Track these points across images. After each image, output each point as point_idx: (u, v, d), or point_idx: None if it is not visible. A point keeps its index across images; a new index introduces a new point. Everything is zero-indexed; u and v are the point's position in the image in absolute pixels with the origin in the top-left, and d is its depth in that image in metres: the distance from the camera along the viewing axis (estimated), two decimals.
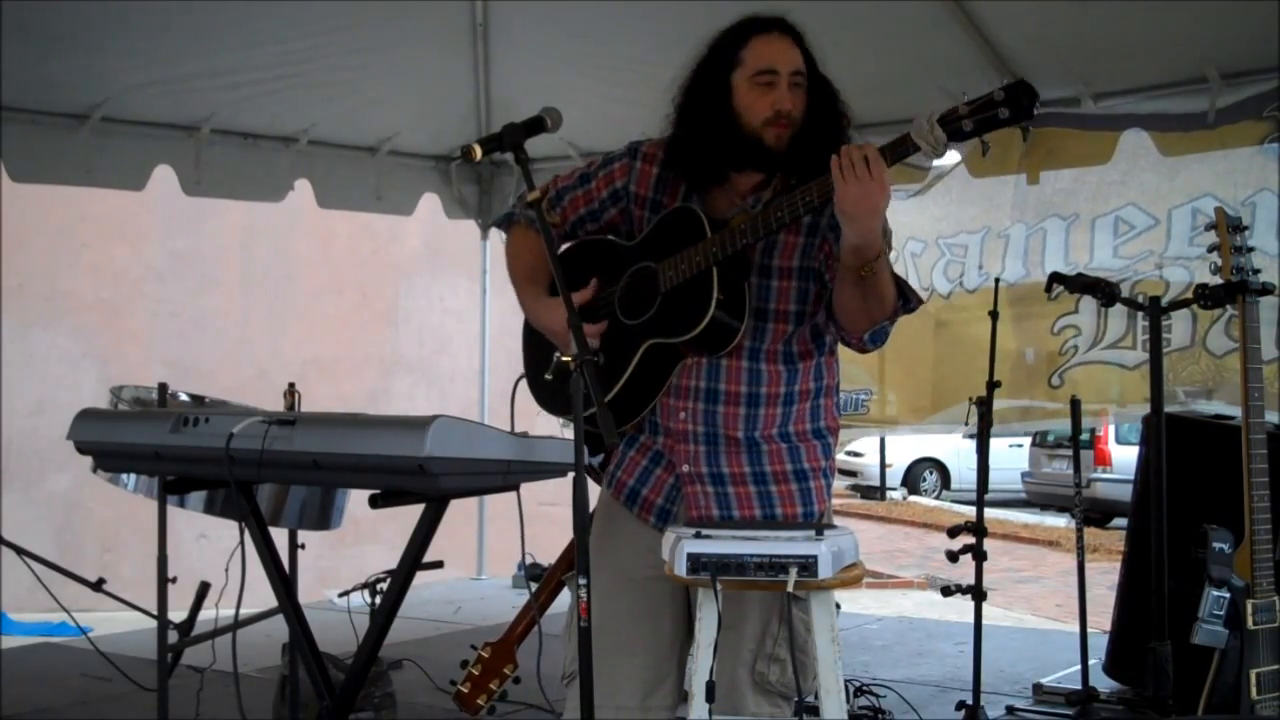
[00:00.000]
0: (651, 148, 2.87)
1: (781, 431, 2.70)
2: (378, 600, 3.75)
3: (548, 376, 2.94)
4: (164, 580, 3.55)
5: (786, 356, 2.69)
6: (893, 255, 5.88)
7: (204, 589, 3.70)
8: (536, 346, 2.92)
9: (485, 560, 7.77)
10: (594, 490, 2.60)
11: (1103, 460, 15.28)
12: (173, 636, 3.64)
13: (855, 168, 2.35)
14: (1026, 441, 17.59)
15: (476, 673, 4.01)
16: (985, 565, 4.10)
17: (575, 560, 2.42)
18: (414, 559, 2.87)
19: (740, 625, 2.66)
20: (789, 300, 2.68)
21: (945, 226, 5.51)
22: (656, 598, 2.70)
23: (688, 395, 2.68)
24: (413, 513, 2.86)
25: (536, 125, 2.83)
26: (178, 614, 3.63)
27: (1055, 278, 3.97)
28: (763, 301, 2.67)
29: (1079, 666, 4.40)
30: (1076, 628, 4.38)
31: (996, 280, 4.58)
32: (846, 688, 3.81)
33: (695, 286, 2.64)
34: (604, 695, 2.53)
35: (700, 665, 2.52)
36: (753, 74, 2.67)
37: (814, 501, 2.71)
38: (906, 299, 2.63)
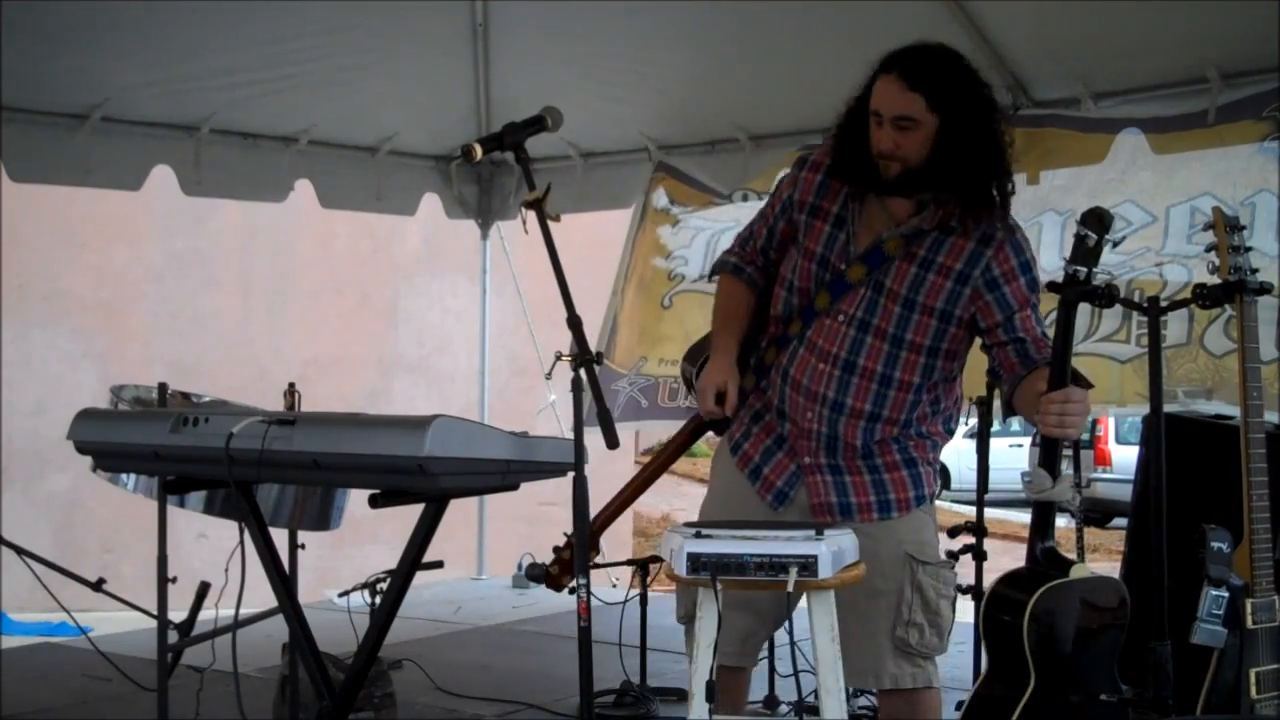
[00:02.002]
0: (820, 155, 3.02)
1: (895, 437, 2.95)
2: (378, 600, 3.75)
3: (547, 378, 2.98)
4: (164, 580, 3.54)
5: (916, 387, 2.92)
6: None
7: (204, 589, 3.69)
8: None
9: (485, 560, 7.77)
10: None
11: (1103, 460, 15.27)
12: (173, 636, 3.64)
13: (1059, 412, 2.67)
14: (1026, 441, 17.59)
15: (566, 556, 4.10)
16: (985, 565, 4.10)
17: (576, 562, 2.42)
18: (414, 559, 2.88)
19: (874, 596, 2.86)
20: (925, 335, 2.88)
21: None
22: None
23: (817, 400, 2.92)
24: (413, 513, 2.87)
25: (536, 125, 2.85)
26: (178, 614, 3.63)
27: (1051, 287, 3.94)
28: (901, 330, 2.88)
29: None
30: None
31: None
32: (846, 688, 3.81)
33: None
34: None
35: (700, 665, 2.53)
36: (870, 111, 2.84)
37: (924, 485, 2.98)
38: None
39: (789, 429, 2.98)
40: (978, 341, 3.03)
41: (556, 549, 4.20)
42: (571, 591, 4.09)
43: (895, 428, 2.95)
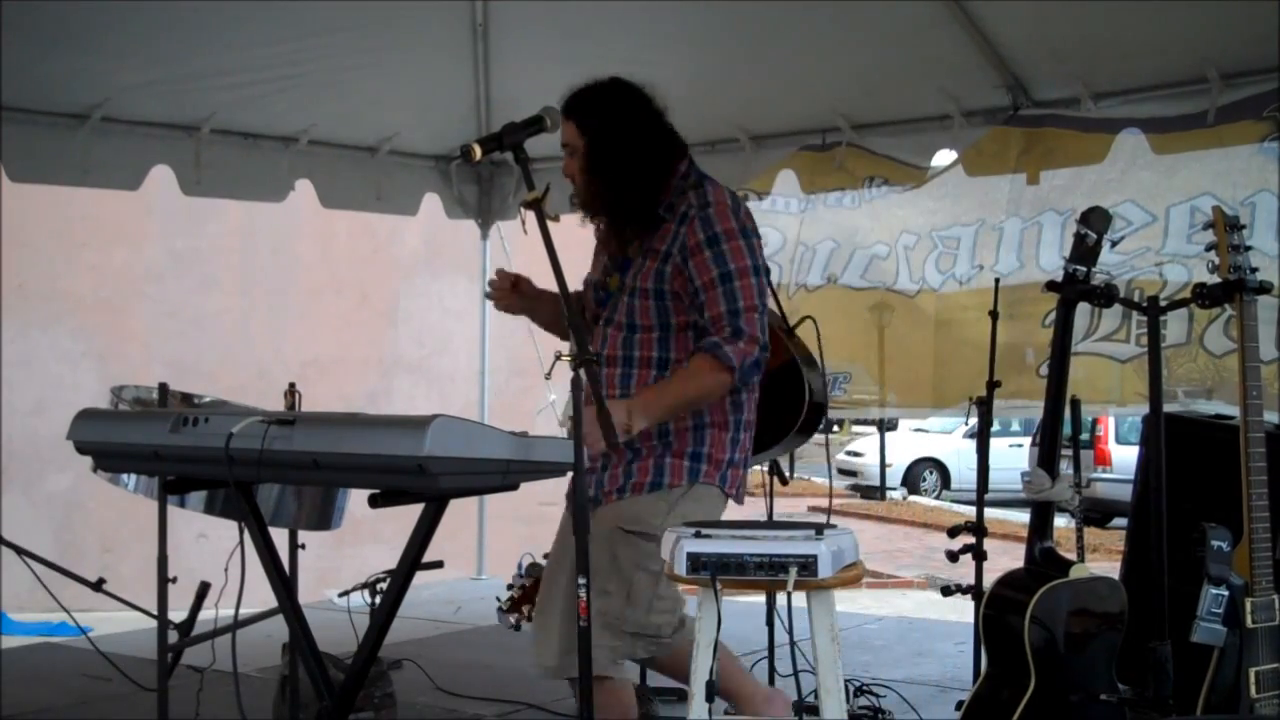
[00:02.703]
0: None
1: (660, 428, 3.10)
2: (378, 600, 3.75)
3: (547, 378, 3.00)
4: (164, 580, 3.54)
5: (657, 361, 3.15)
6: (885, 250, 5.89)
7: (204, 589, 3.70)
8: None
9: (485, 560, 7.77)
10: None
11: (1103, 460, 15.29)
12: (173, 636, 3.64)
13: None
14: (1026, 441, 17.63)
15: (517, 595, 4.26)
16: (985, 565, 4.11)
17: (576, 562, 2.43)
18: (414, 559, 2.88)
19: (569, 568, 2.95)
20: (650, 316, 3.15)
21: (939, 219, 5.51)
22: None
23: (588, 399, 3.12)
24: (413, 513, 2.86)
25: (536, 125, 2.86)
26: (178, 614, 3.63)
27: (1050, 287, 3.96)
28: (630, 317, 3.17)
29: None
30: None
31: (997, 281, 4.58)
32: (846, 688, 3.81)
33: None
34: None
35: (700, 665, 2.53)
36: None
37: (666, 474, 3.11)
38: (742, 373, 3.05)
39: None
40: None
41: (512, 584, 4.29)
42: (522, 626, 4.20)
43: None
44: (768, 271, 3.23)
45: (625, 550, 3.04)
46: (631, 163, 3.12)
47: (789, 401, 3.50)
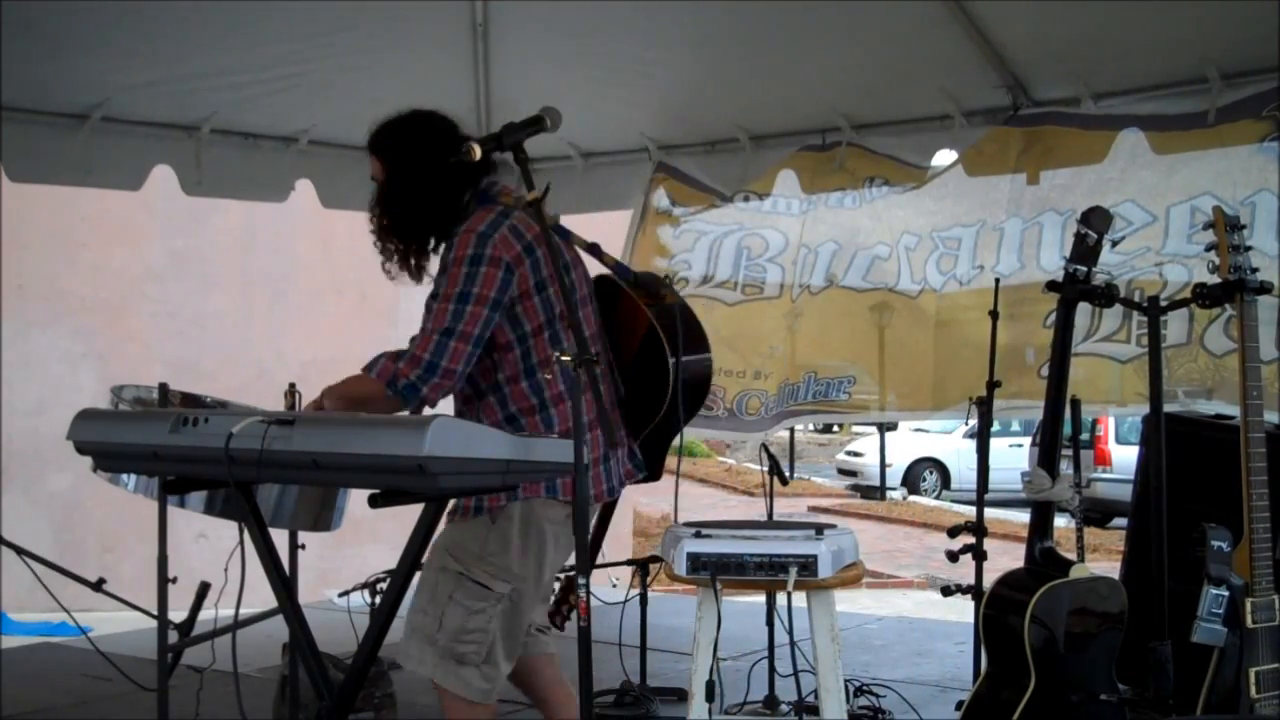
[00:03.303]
0: None
1: None
2: (378, 600, 3.75)
3: (547, 378, 3.00)
4: (164, 580, 3.54)
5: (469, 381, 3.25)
6: (887, 251, 5.93)
7: (204, 589, 3.70)
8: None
9: None
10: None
11: (1103, 460, 15.29)
12: (173, 636, 3.64)
13: None
14: (1026, 441, 17.63)
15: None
16: (985, 565, 4.11)
17: (576, 563, 2.43)
18: (414, 559, 2.88)
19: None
20: None
21: (940, 220, 5.51)
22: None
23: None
24: (413, 512, 2.87)
25: (536, 125, 2.85)
26: (178, 614, 3.63)
27: (1051, 286, 3.96)
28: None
29: None
30: None
31: (997, 281, 4.58)
32: (846, 688, 3.81)
33: None
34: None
35: (700, 665, 2.53)
36: None
37: (484, 497, 3.13)
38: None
39: None
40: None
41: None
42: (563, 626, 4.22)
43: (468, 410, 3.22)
44: (515, 298, 3.16)
45: (445, 582, 3.12)
46: (413, 197, 3.18)
47: (656, 378, 3.24)
